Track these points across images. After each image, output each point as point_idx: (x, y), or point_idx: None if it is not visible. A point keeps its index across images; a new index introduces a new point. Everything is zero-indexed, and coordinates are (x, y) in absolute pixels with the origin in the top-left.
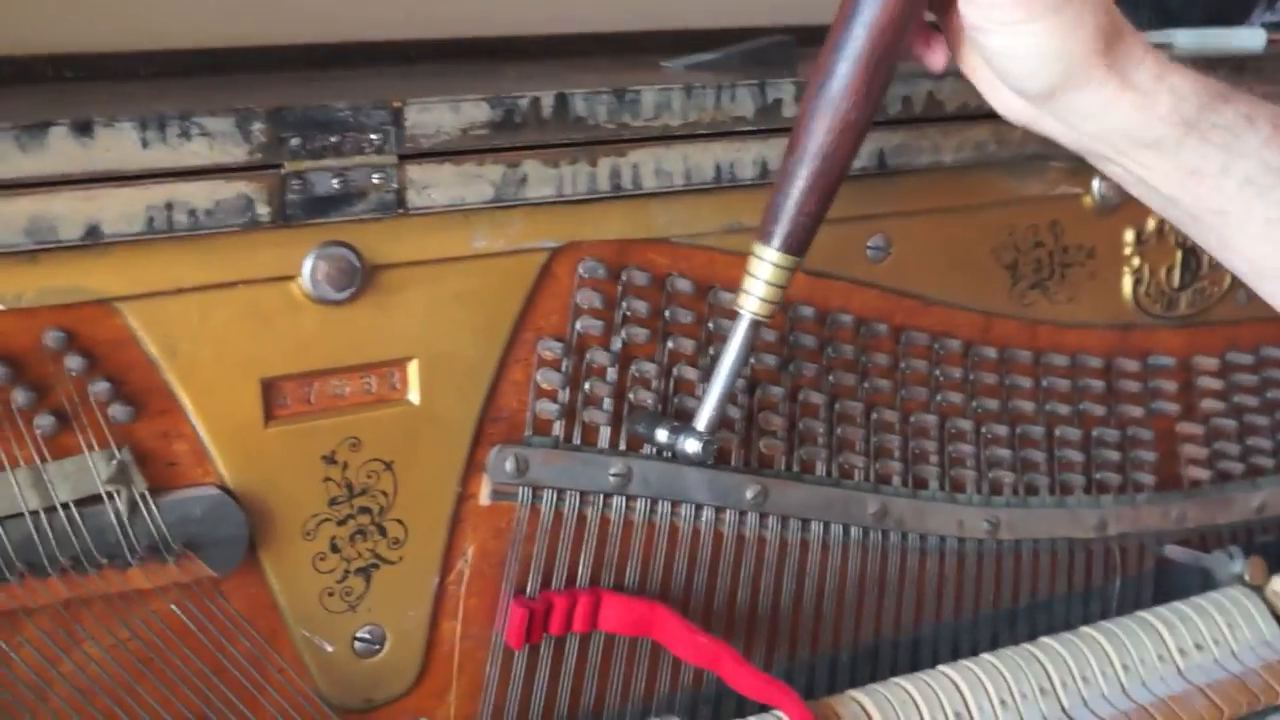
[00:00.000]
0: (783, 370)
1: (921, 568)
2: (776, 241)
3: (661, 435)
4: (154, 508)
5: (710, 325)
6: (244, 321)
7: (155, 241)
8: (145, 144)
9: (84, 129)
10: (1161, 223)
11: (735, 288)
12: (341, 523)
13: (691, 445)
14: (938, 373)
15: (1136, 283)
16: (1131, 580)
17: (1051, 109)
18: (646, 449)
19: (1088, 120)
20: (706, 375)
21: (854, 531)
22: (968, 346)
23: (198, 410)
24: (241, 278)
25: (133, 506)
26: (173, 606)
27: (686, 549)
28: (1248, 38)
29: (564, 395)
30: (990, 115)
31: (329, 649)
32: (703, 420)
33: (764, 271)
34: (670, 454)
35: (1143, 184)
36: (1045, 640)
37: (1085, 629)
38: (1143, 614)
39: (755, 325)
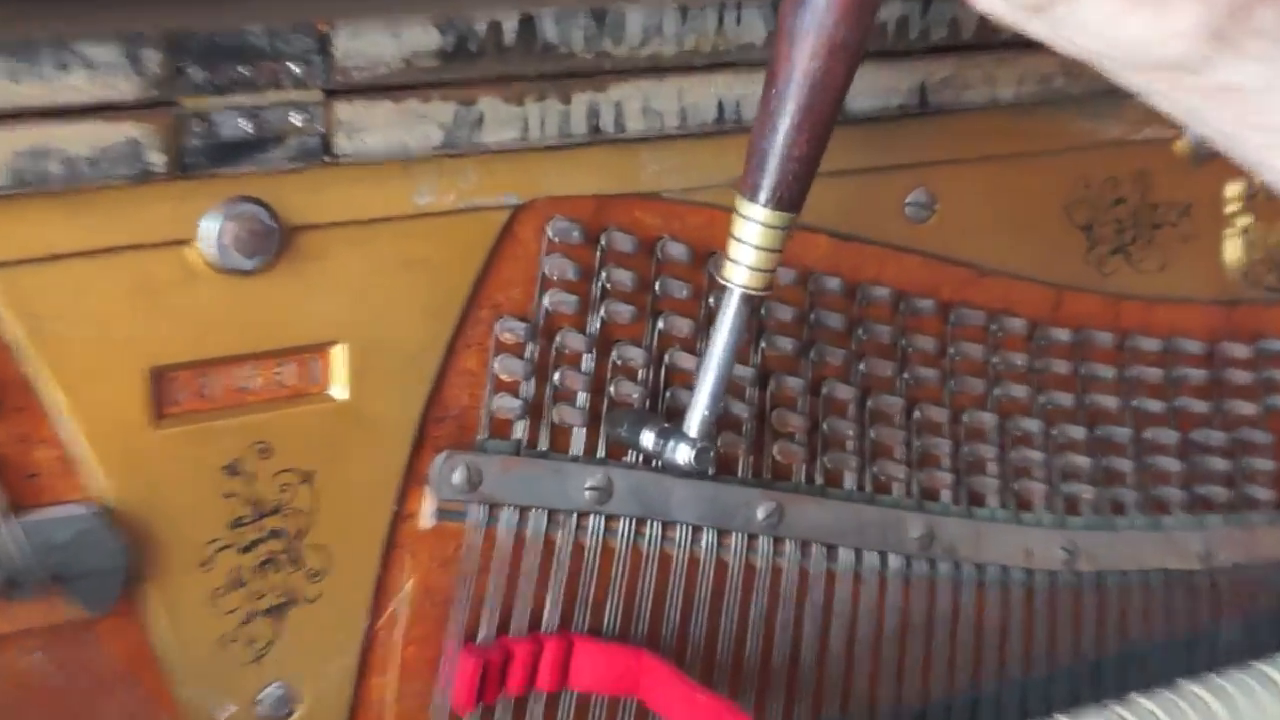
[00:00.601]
0: (802, 358)
1: (978, 607)
2: (763, 195)
3: (647, 440)
4: (8, 530)
5: (710, 300)
6: (129, 296)
7: (20, 197)
8: (12, 76)
9: None
10: None
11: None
12: (246, 549)
13: (682, 453)
14: (996, 360)
15: (1245, 247)
16: (1245, 623)
17: (1045, 19)
18: (631, 455)
19: (1090, 37)
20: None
21: (892, 561)
22: (1033, 327)
23: (68, 407)
24: (127, 242)
25: None
26: (35, 655)
27: (681, 583)
28: None
29: (528, 389)
30: None
31: (227, 712)
32: (693, 422)
33: (751, 234)
34: (658, 463)
35: (1161, 99)
36: (1137, 699)
37: (1187, 684)
38: (1260, 666)
39: (748, 301)
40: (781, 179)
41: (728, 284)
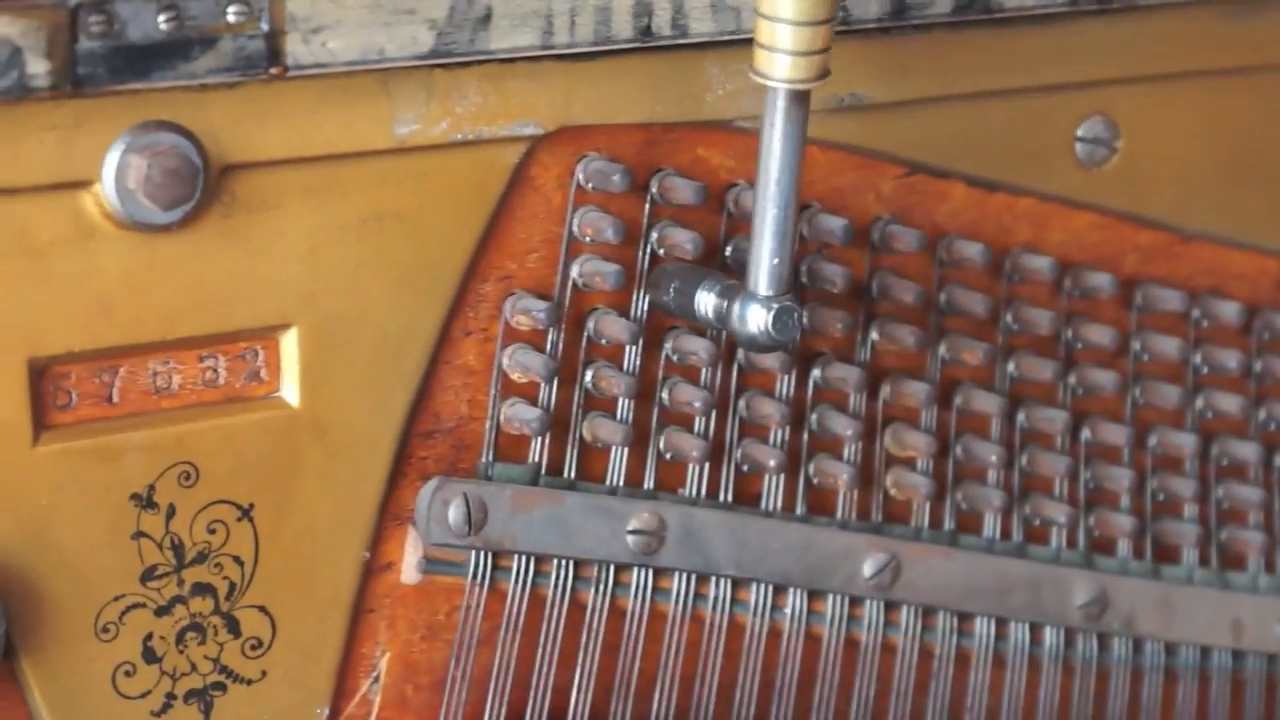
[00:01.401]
0: (927, 354)
1: (1167, 704)
2: None
3: (704, 303)
4: None
5: (803, 274)
6: (0, 259)
7: None
8: None
9: None
10: None
11: (853, 208)
12: (163, 611)
13: (754, 316)
14: (1199, 359)
15: None
16: None
17: None
18: (687, 487)
19: None
20: (793, 361)
21: (1049, 637)
22: (1251, 314)
23: None
24: (1, 184)
25: None
26: None
27: (757, 663)
28: None
29: (549, 394)
30: None
31: None
32: (760, 275)
33: (787, 6)
34: (722, 338)
35: None
36: None
37: None
38: None
39: (798, 101)
40: None
41: (765, 81)
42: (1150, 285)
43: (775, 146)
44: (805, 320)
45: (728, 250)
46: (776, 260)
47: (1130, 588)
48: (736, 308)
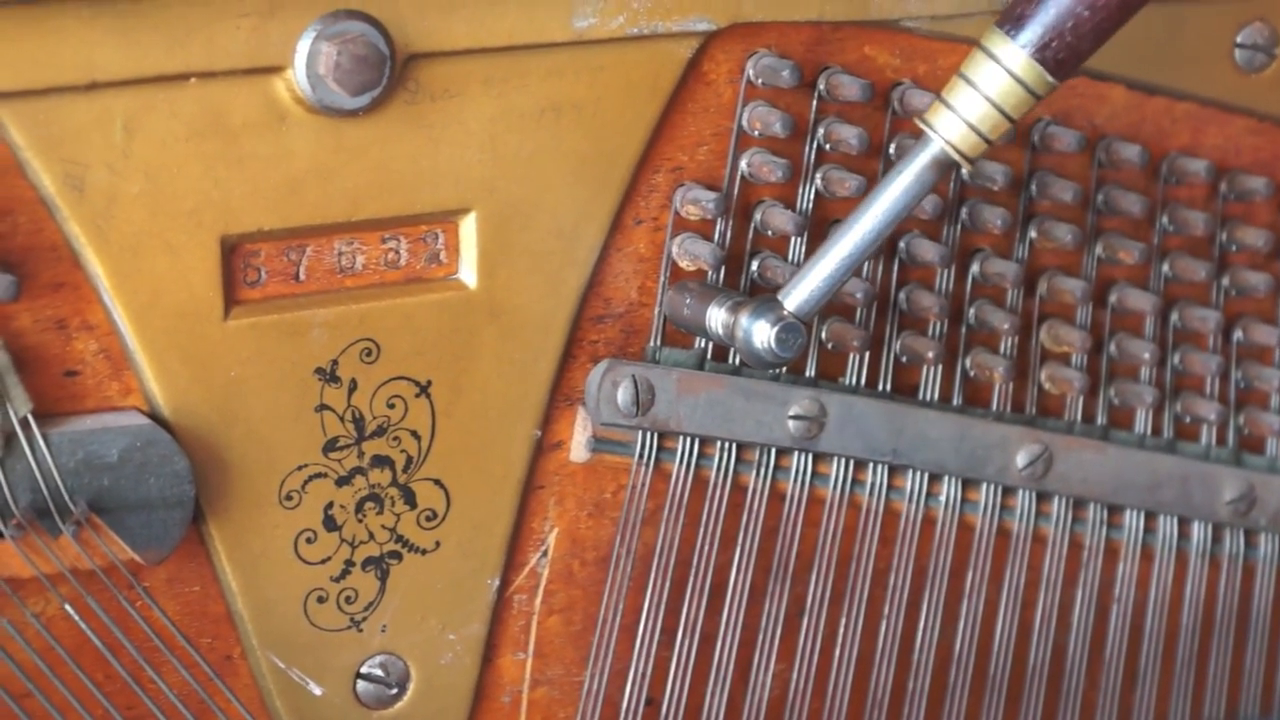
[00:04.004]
0: (1084, 252)
1: None
2: (1027, 36)
3: (715, 319)
4: (42, 444)
5: (964, 172)
6: (195, 141)
7: (52, 4)
8: None
9: None
10: None
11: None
12: (343, 481)
13: (759, 331)
14: None
15: None
16: None
17: None
18: (848, 376)
19: None
20: (953, 255)
21: (1197, 531)
22: None
23: (116, 286)
24: (194, 68)
25: (7, 440)
26: (67, 608)
27: (910, 549)
28: None
29: (717, 280)
30: None
31: (317, 692)
32: (796, 293)
33: (990, 81)
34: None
35: None
36: None
37: None
38: None
39: (942, 166)
40: (1060, 24)
41: (928, 130)
42: None
43: (894, 192)
44: (808, 341)
45: (891, 148)
46: (822, 288)
47: (1278, 485)
48: (743, 321)
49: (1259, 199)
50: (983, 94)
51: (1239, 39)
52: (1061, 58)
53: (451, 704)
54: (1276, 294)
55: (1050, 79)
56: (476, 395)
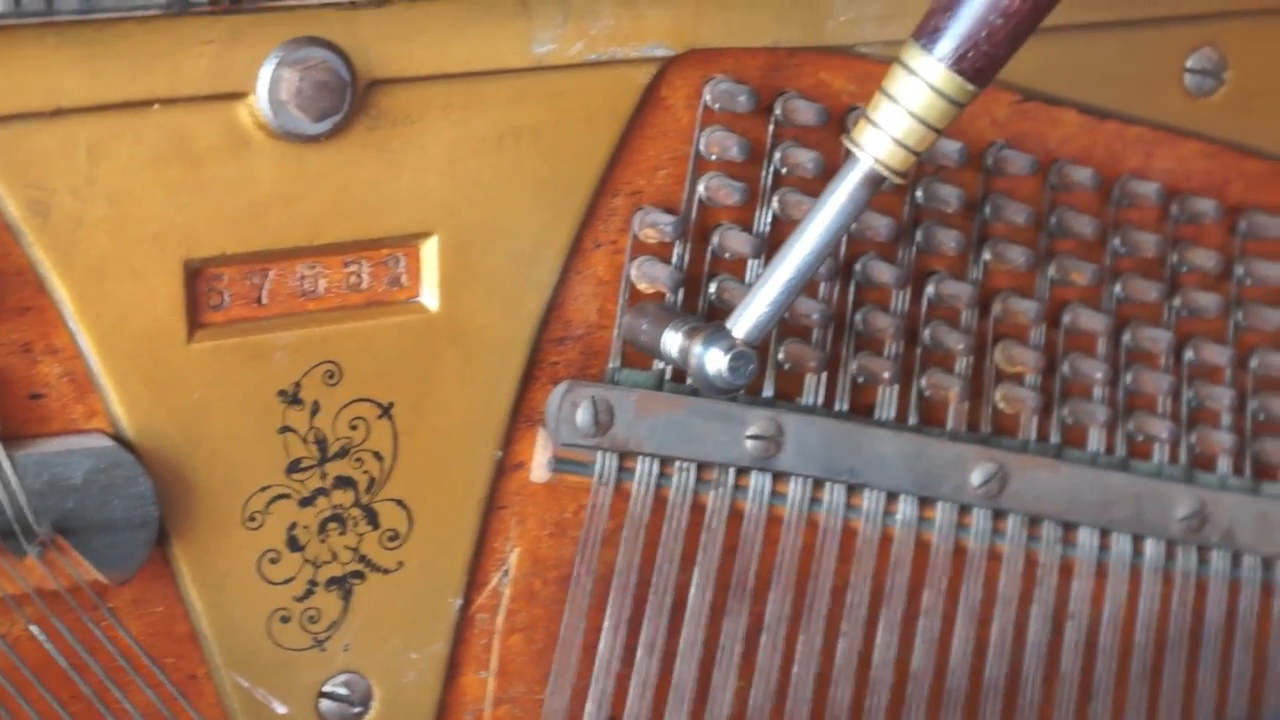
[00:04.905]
0: (1037, 273)
1: (1263, 617)
2: (943, 48)
3: (671, 343)
4: (7, 466)
5: (919, 195)
6: (159, 166)
7: (19, 30)
8: None
9: None
10: None
11: (968, 133)
12: (306, 502)
13: (712, 360)
14: None
15: None
16: None
17: None
18: (809, 395)
19: None
20: (908, 277)
21: (1149, 548)
22: None
23: (80, 309)
24: (158, 94)
25: None
26: (32, 629)
27: (868, 567)
28: None
29: (674, 304)
30: None
31: (281, 711)
32: (741, 321)
33: (911, 95)
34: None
35: None
36: None
37: None
38: None
39: (874, 183)
40: (974, 34)
41: (855, 149)
42: (1254, 212)
43: (828, 215)
44: (761, 366)
45: None
46: (768, 313)
47: (1229, 503)
48: (697, 349)
49: (1209, 221)
50: (905, 109)
51: (1189, 64)
52: (980, 66)
53: None
54: (1226, 314)
55: (971, 87)
56: (438, 416)
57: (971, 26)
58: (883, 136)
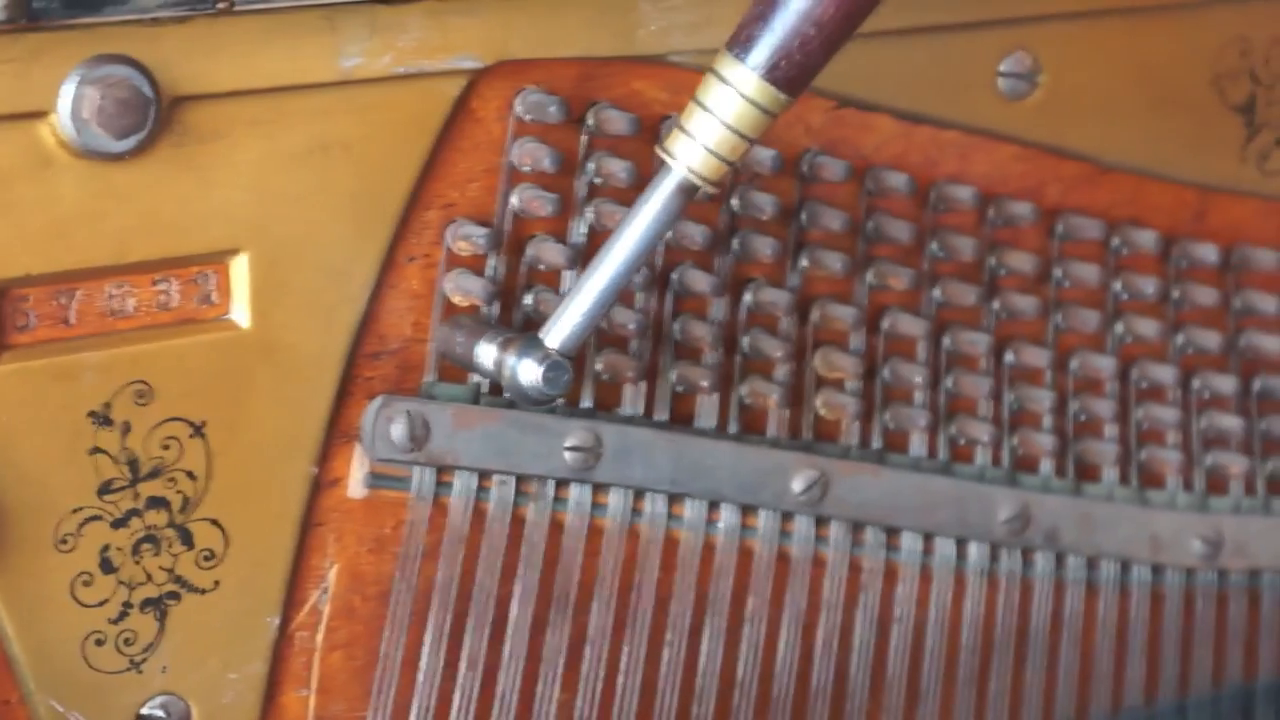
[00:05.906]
0: (855, 279)
1: (1088, 616)
2: (756, 57)
3: (485, 356)
4: None
5: (735, 203)
6: None
7: None
8: None
9: None
10: None
11: (783, 140)
12: (119, 523)
13: (525, 370)
14: (1119, 286)
15: None
16: None
17: None
18: (628, 405)
19: None
20: (725, 285)
21: (974, 551)
22: (1169, 243)
23: None
24: None
25: None
26: None
27: (691, 576)
28: None
29: (490, 316)
30: None
31: None
32: (554, 330)
33: (724, 104)
34: (509, 392)
35: None
36: None
37: None
38: None
39: (686, 192)
40: (788, 44)
41: (667, 159)
42: (1071, 215)
43: (641, 224)
44: (576, 376)
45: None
46: (582, 323)
47: (1052, 504)
48: (510, 360)
49: (1025, 224)
50: (718, 118)
51: (1002, 68)
52: (793, 75)
53: None
54: (1045, 317)
55: (784, 97)
56: (252, 434)
57: (785, 36)
58: (696, 146)
